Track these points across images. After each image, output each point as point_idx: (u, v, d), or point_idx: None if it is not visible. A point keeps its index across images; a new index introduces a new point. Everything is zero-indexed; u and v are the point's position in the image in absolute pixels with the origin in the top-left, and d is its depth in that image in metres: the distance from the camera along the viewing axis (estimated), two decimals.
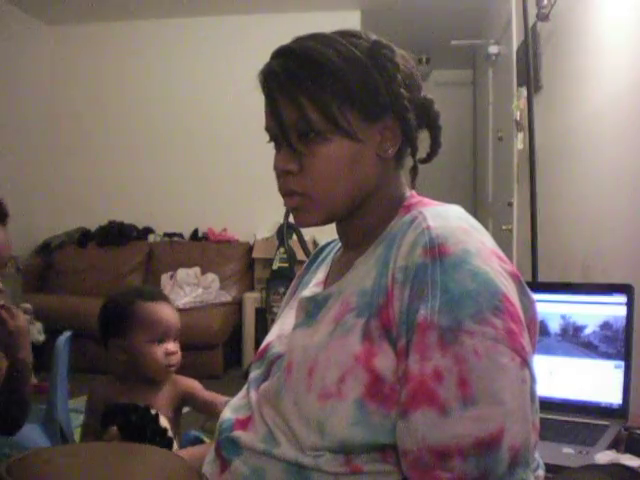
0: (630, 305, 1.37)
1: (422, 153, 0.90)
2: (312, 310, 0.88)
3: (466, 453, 0.67)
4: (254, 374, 0.93)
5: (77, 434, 2.15)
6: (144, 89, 5.06)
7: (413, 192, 0.91)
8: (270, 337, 0.98)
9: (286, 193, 0.85)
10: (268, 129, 0.86)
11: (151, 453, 0.85)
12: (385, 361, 0.74)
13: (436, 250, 0.73)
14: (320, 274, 0.98)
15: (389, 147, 0.85)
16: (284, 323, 0.97)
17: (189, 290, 4.39)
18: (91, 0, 4.66)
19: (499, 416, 0.68)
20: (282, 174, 0.84)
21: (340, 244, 1.00)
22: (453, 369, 0.68)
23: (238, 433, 0.84)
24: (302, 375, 0.79)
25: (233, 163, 4.93)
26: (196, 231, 4.99)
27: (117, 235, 4.85)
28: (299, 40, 0.86)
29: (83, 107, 5.13)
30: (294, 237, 4.34)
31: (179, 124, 5.00)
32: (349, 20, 4.73)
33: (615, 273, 2.09)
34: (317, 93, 0.81)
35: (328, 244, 1.07)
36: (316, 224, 0.87)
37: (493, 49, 4.28)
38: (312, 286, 0.97)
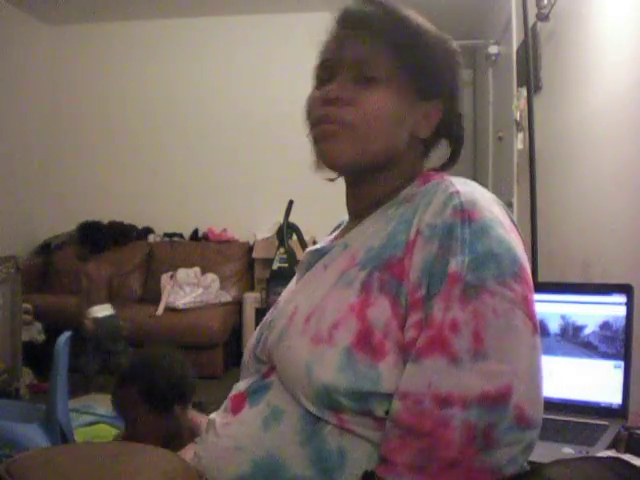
0: (630, 305, 1.36)
1: (436, 163, 0.95)
2: (313, 261, 0.92)
3: (468, 404, 0.70)
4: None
5: (77, 434, 2.15)
6: (144, 89, 5.06)
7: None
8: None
9: (325, 119, 0.86)
10: (331, 58, 0.89)
11: (151, 453, 0.85)
12: (378, 313, 0.77)
13: (466, 213, 0.77)
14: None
15: (423, 130, 0.89)
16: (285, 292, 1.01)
17: (189, 290, 4.39)
18: (91, 0, 4.66)
19: (507, 374, 0.71)
20: (328, 101, 0.85)
21: None
22: (470, 323, 0.72)
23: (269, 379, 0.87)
24: (300, 320, 0.83)
25: (233, 163, 4.93)
26: (196, 231, 4.98)
27: (117, 235, 4.86)
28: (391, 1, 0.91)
29: (83, 107, 5.12)
30: (294, 237, 4.33)
31: (179, 124, 5.00)
32: None
33: (615, 273, 2.09)
34: (403, 49, 0.86)
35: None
36: (344, 160, 0.86)
37: (493, 49, 4.28)
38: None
